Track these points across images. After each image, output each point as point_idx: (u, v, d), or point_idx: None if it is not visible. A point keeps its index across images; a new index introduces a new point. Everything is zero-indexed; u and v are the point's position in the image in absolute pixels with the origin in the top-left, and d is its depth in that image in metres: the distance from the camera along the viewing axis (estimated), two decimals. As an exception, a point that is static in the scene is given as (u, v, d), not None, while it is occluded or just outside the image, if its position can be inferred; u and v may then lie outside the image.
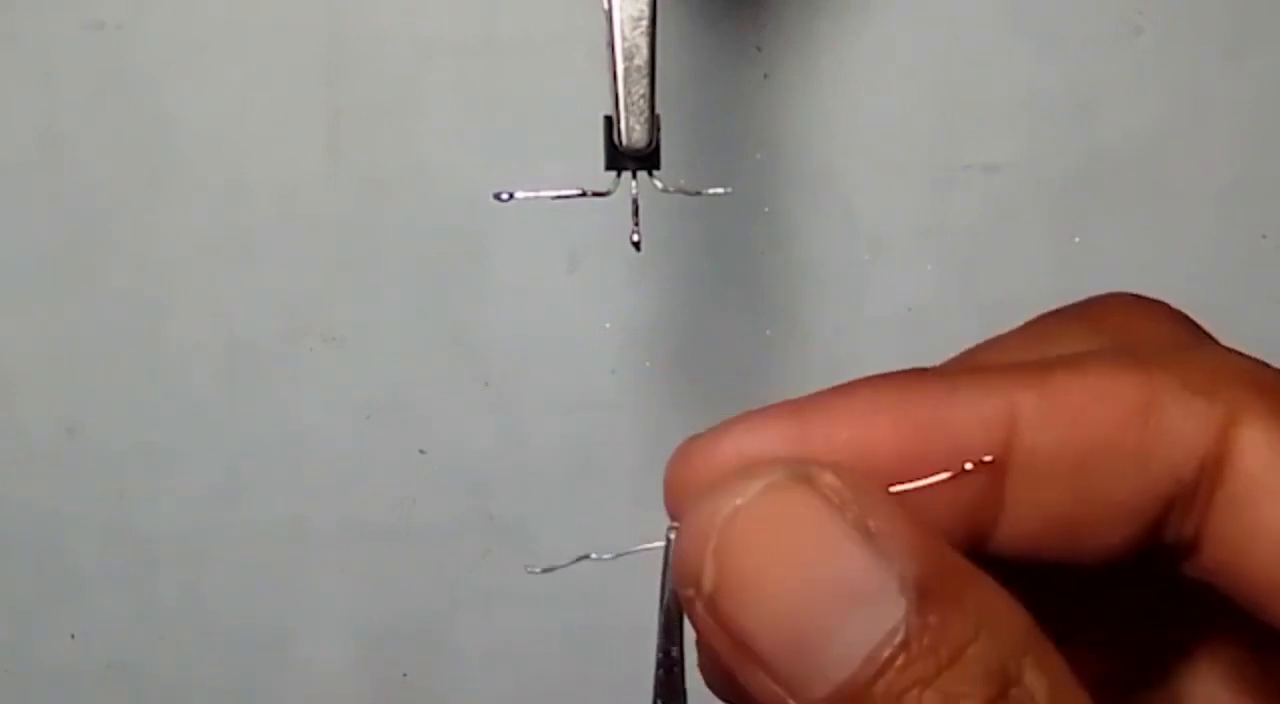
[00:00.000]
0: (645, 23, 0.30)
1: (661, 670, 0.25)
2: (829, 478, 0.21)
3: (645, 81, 0.30)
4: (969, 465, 0.22)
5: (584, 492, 0.46)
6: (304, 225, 0.45)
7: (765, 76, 0.43)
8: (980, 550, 0.23)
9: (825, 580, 0.20)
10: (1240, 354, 0.23)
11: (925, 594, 0.20)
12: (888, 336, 0.45)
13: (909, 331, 0.45)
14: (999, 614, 0.20)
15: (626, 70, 0.30)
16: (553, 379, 0.46)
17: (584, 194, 0.31)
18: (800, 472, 0.21)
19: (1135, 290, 0.26)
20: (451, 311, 0.45)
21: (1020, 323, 0.27)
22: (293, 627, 0.47)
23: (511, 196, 0.32)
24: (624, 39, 0.30)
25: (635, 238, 0.32)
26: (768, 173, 0.44)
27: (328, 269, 0.45)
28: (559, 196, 0.31)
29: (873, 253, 0.44)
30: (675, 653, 0.25)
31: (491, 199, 0.32)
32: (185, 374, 0.46)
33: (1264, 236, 0.43)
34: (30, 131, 0.45)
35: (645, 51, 0.30)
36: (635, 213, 0.31)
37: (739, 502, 0.21)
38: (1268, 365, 0.23)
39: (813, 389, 0.48)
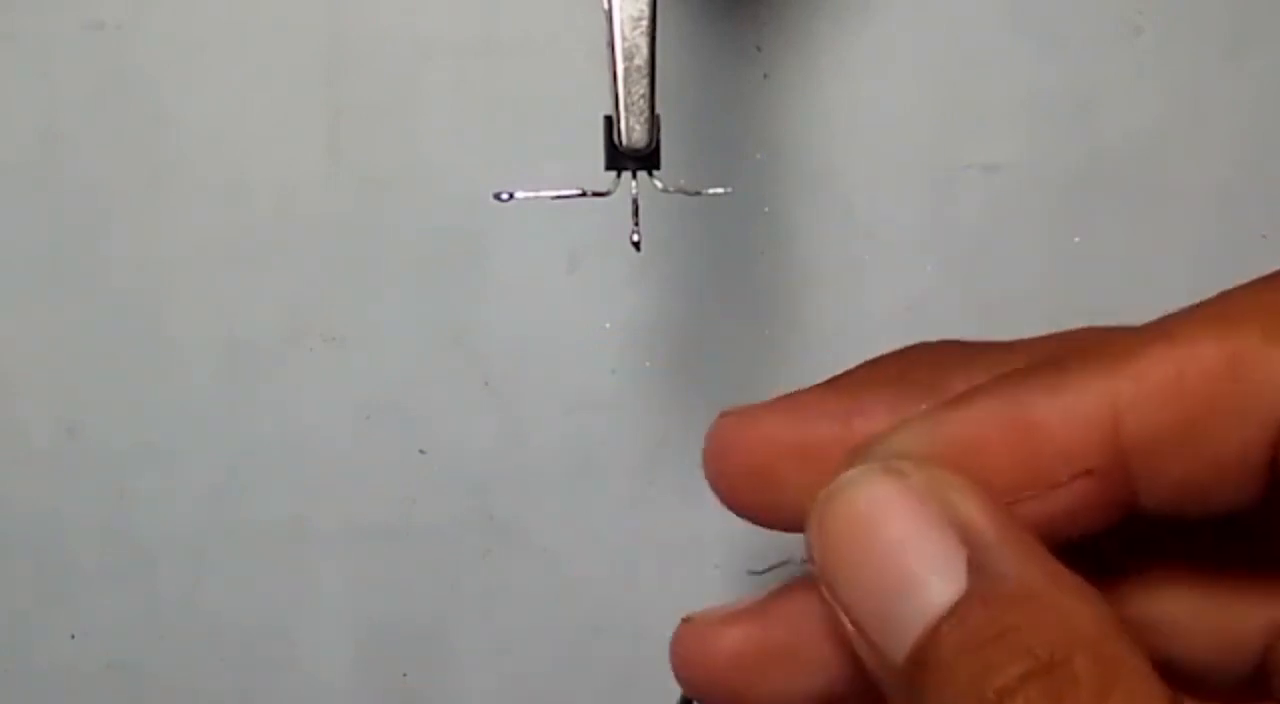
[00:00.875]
0: (645, 23, 0.30)
1: None
2: (916, 471, 0.23)
3: (645, 81, 0.30)
4: (1067, 480, 0.24)
5: (584, 492, 0.46)
6: (304, 225, 0.45)
7: (765, 76, 0.43)
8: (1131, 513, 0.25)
9: (904, 558, 0.23)
10: None
11: (983, 573, 0.22)
12: (888, 336, 0.45)
13: (909, 331, 0.45)
14: (1060, 605, 0.22)
15: (626, 70, 0.30)
16: (553, 379, 0.46)
17: (584, 194, 0.31)
18: (893, 466, 0.24)
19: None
20: (451, 311, 0.45)
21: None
22: (293, 627, 0.47)
23: (511, 196, 0.32)
24: (624, 39, 0.30)
25: (635, 238, 0.32)
26: (767, 173, 0.44)
27: (328, 269, 0.45)
28: (559, 196, 0.31)
29: (873, 253, 0.44)
30: None
31: (491, 199, 0.32)
32: (185, 374, 0.46)
33: (1264, 236, 0.43)
34: (30, 131, 0.45)
35: (645, 51, 0.30)
36: (635, 213, 0.31)
37: (839, 487, 0.24)
38: None
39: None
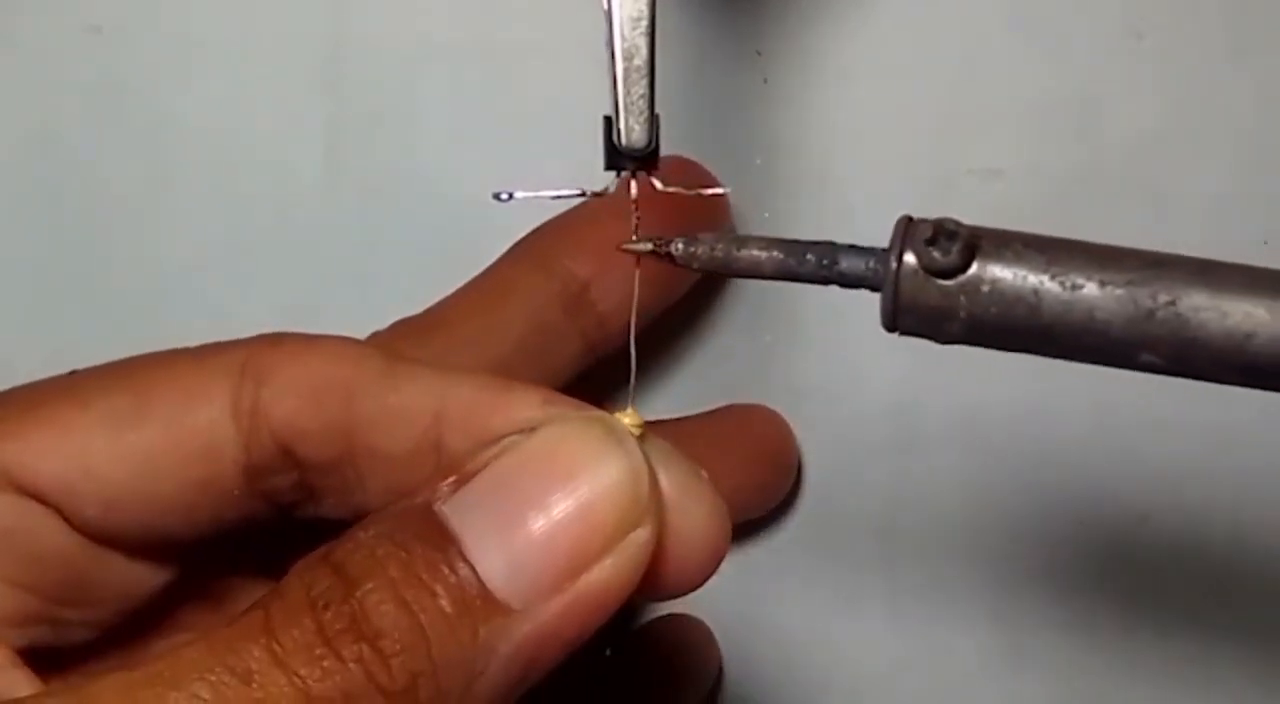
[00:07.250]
0: (645, 23, 0.30)
1: None
2: None
3: (645, 81, 0.30)
4: None
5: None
6: (304, 226, 0.45)
7: (765, 81, 0.43)
8: None
9: None
10: None
11: None
12: (888, 341, 0.45)
13: (909, 335, 0.45)
14: None
15: (626, 70, 0.30)
16: (552, 382, 0.46)
17: (584, 194, 0.31)
18: None
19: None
20: (451, 314, 0.45)
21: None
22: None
23: (511, 196, 0.32)
24: (624, 39, 0.30)
25: (635, 238, 0.32)
26: (767, 178, 0.44)
27: (327, 271, 0.45)
28: (559, 196, 0.31)
29: (873, 257, 0.44)
30: None
31: (491, 199, 0.32)
32: (184, 376, 0.46)
33: (1265, 243, 0.43)
34: (30, 133, 0.45)
35: (645, 51, 0.30)
36: (635, 213, 0.31)
37: None
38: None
39: (811, 394, 0.48)
